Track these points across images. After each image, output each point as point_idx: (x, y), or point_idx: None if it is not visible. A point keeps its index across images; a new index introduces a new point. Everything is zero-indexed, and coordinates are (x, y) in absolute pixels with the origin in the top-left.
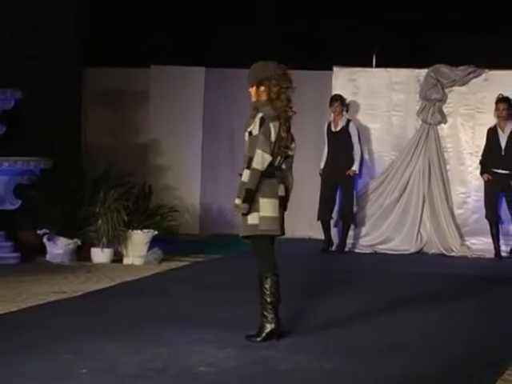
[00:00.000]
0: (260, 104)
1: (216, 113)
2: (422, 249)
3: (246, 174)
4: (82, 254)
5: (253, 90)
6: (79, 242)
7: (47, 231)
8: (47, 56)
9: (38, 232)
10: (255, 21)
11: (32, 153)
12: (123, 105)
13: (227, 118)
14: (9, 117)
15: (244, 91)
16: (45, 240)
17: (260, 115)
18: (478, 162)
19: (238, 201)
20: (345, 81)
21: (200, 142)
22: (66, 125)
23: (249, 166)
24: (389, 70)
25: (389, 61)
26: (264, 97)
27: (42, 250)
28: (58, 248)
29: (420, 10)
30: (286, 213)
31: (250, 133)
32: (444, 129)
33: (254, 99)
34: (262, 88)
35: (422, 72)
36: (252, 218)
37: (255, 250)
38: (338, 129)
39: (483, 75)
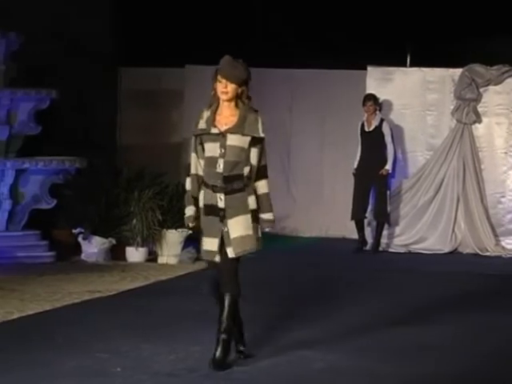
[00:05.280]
0: (243, 105)
1: None
2: (456, 248)
3: (266, 185)
4: (116, 253)
5: (231, 87)
6: (114, 241)
7: (82, 230)
8: (84, 56)
9: (74, 231)
10: (289, 21)
11: (67, 152)
12: (158, 104)
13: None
14: (44, 116)
15: (274, 90)
16: (80, 239)
17: (259, 117)
18: None
19: (272, 215)
20: (379, 80)
21: None
22: (102, 124)
23: (266, 175)
24: (423, 69)
25: (423, 60)
26: (237, 98)
27: (77, 248)
28: (93, 247)
29: (454, 9)
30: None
31: (255, 138)
32: (478, 128)
33: (227, 97)
34: (240, 89)
35: (457, 71)
36: (259, 232)
37: (236, 268)
38: (372, 128)
39: None
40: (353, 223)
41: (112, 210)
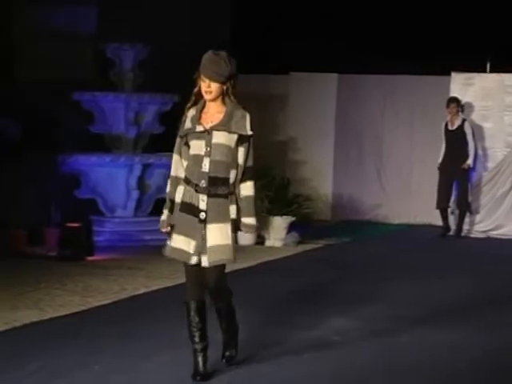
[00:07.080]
0: (231, 102)
1: (347, 115)
2: None
3: (251, 187)
4: None
5: (215, 86)
6: None
7: None
8: (198, 62)
9: None
10: (382, 33)
11: None
12: (265, 107)
13: (356, 120)
14: (167, 117)
15: (368, 95)
16: None
17: (246, 114)
18: None
19: (254, 220)
20: (462, 84)
21: (332, 140)
22: None
23: (252, 177)
24: (502, 74)
25: (502, 66)
26: (223, 95)
27: None
28: None
29: None
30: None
31: (242, 136)
32: None
33: (211, 97)
34: (225, 86)
35: None
36: (235, 242)
37: (223, 276)
38: (455, 127)
39: None
40: (438, 211)
41: None
